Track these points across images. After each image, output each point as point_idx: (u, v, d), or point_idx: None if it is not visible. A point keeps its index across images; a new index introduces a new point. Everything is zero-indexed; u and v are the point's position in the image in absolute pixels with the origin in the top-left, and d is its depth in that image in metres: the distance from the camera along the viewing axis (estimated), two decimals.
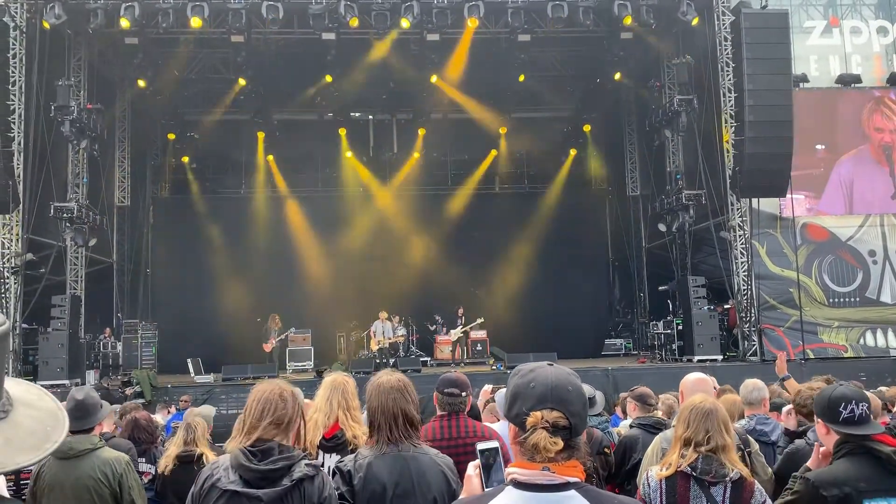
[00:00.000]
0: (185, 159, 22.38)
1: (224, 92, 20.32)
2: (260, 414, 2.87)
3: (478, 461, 2.01)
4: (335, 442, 3.97)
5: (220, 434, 6.34)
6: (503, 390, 2.28)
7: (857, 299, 17.14)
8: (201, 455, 5.12)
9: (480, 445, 2.06)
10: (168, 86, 19.82)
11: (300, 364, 18.22)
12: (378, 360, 17.57)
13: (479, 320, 18.75)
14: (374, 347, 18.17)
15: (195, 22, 15.64)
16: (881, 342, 17.04)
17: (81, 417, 4.21)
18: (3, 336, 1.32)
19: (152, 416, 7.38)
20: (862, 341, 17.04)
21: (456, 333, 18.82)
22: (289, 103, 21.05)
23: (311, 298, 20.50)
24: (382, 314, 18.37)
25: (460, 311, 19.21)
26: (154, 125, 21.59)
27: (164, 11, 15.73)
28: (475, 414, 4.60)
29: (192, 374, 16.56)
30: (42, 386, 1.53)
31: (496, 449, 2.02)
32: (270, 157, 22.29)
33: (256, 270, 20.80)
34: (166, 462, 5.21)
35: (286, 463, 2.76)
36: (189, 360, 16.89)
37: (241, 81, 19.22)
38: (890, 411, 5.49)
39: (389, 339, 18.18)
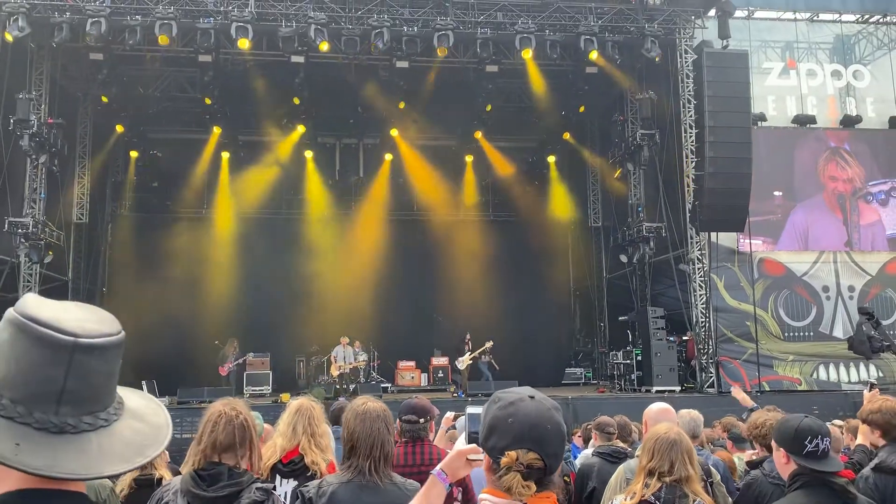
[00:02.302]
0: (147, 177, 22.06)
1: (189, 111, 20.15)
2: (212, 435, 2.82)
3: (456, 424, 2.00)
4: (292, 467, 3.89)
5: (174, 458, 6.19)
6: (463, 418, 2.28)
7: (812, 334, 17.53)
8: (160, 478, 4.98)
9: (471, 409, 2.07)
10: (132, 103, 19.60)
11: (258, 388, 17.92)
12: (338, 386, 17.38)
13: (489, 344, 18.15)
14: (335, 373, 17.97)
15: (162, 39, 15.54)
16: (833, 376, 17.42)
17: None
18: (119, 344, 1.33)
19: None
20: (815, 375, 17.40)
21: (465, 361, 18.31)
22: (255, 125, 20.96)
23: (272, 322, 20.25)
24: (344, 339, 18.20)
25: (467, 337, 18.75)
26: (116, 142, 21.27)
27: (132, 28, 15.59)
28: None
29: None
30: None
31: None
32: (234, 178, 22.08)
33: (216, 292, 20.45)
34: (122, 486, 5.06)
35: (234, 489, 2.70)
36: (143, 382, 16.48)
37: (207, 101, 19.09)
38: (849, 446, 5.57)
39: (350, 364, 18.00)
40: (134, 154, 21.61)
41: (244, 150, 21.87)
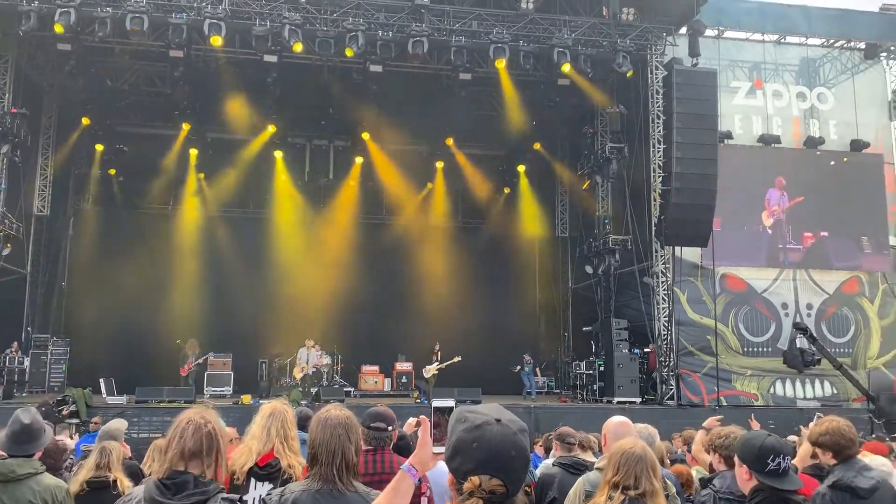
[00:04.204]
0: (112, 171, 21.68)
1: (158, 106, 19.88)
2: (180, 443, 2.79)
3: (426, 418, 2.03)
4: (268, 470, 3.88)
5: (134, 457, 6.10)
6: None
7: (770, 349, 17.86)
8: (115, 481, 4.90)
9: (436, 402, 2.08)
10: (99, 96, 19.27)
11: (219, 389, 17.71)
12: (301, 389, 17.26)
13: (457, 359, 18.14)
14: (298, 375, 17.85)
15: (134, 33, 15.31)
16: (790, 392, 17.78)
17: (26, 442, 3.97)
18: None
19: (58, 438, 7.02)
20: (772, 390, 17.74)
21: (431, 370, 18.23)
22: (225, 122, 20.74)
23: (235, 322, 20.03)
24: (309, 341, 18.09)
25: (437, 346, 18.69)
26: (82, 135, 20.87)
27: (102, 20, 15.33)
28: (405, 446, 4.56)
29: (105, 395, 15.89)
30: None
31: (451, 408, 2.03)
32: (202, 175, 21.84)
33: (179, 290, 20.19)
34: (73, 486, 4.96)
35: (200, 499, 2.68)
36: (101, 380, 16.20)
37: (177, 96, 18.84)
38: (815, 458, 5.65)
39: (315, 364, 17.90)
40: (99, 147, 21.22)
41: (213, 148, 21.64)
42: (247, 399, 16.23)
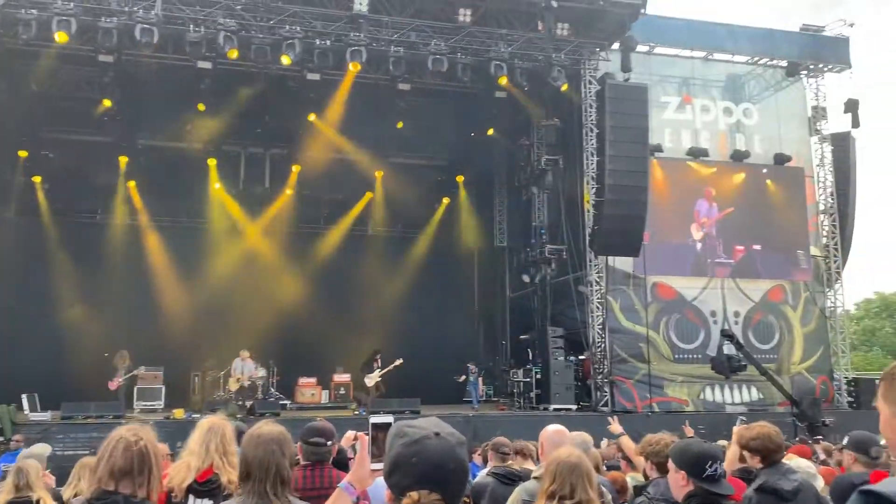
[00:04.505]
0: (37, 179, 20.85)
1: (87, 112, 19.26)
2: (109, 461, 2.72)
3: (366, 433, 2.04)
4: (209, 486, 3.81)
5: (60, 479, 5.89)
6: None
7: (700, 356, 18.41)
8: (38, 500, 4.73)
9: (374, 419, 2.08)
10: (24, 100, 18.56)
11: (149, 403, 17.22)
12: (237, 402, 16.93)
13: (398, 362, 18.03)
14: (234, 387, 17.50)
15: (60, 37, 14.84)
16: (718, 398, 18.36)
17: None
18: None
19: None
20: (702, 396, 18.28)
21: (373, 378, 18.11)
22: (156, 129, 20.26)
23: (166, 334, 19.47)
24: (244, 353, 17.76)
25: (377, 355, 18.54)
26: (4, 140, 20.04)
27: (27, 22, 14.81)
28: (342, 459, 4.53)
29: (27, 411, 15.25)
30: None
31: (389, 424, 2.04)
32: (132, 183, 21.22)
33: (108, 301, 19.55)
34: None
35: None
36: (24, 396, 15.55)
37: (107, 102, 18.32)
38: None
39: (250, 377, 17.58)
40: (23, 154, 20.41)
41: (144, 155, 21.05)
42: (179, 413, 15.83)
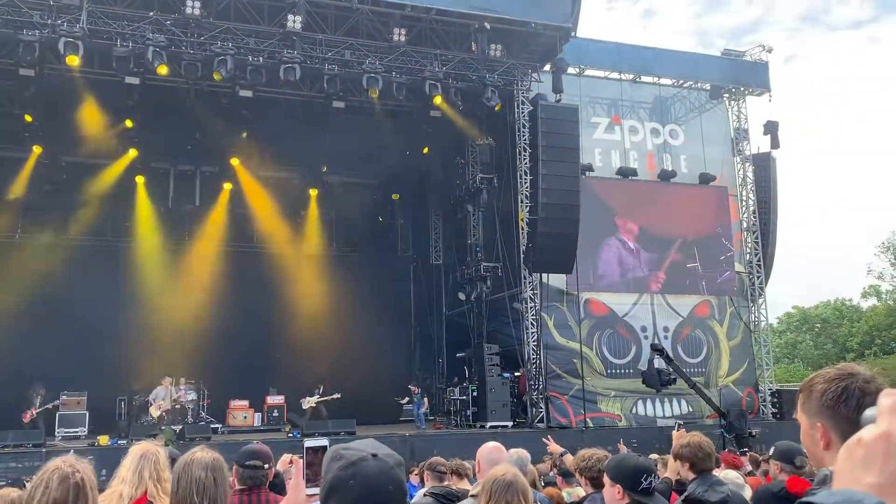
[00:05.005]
0: None
1: (6, 127, 18.51)
2: (44, 495, 2.61)
3: (301, 457, 2.01)
4: None
5: None
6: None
7: (631, 371, 18.80)
8: None
9: (308, 443, 2.04)
10: None
11: (72, 430, 16.50)
12: (162, 427, 16.40)
13: (336, 396, 18.20)
14: (155, 413, 16.94)
15: None
16: (650, 412, 18.76)
17: None
18: None
19: None
20: (634, 410, 18.64)
21: (310, 402, 18.05)
22: (81, 146, 19.59)
23: (90, 357, 18.67)
24: (166, 380, 17.31)
25: (321, 386, 18.48)
26: None
27: None
28: (282, 483, 4.44)
29: None
30: None
31: (325, 447, 2.01)
32: (54, 201, 20.41)
33: (23, 325, 18.57)
34: None
35: None
36: None
37: (28, 118, 17.67)
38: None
39: (174, 401, 17.10)
40: None
41: (67, 172, 20.34)
42: (104, 440, 15.21)
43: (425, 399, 19.47)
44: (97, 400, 17.68)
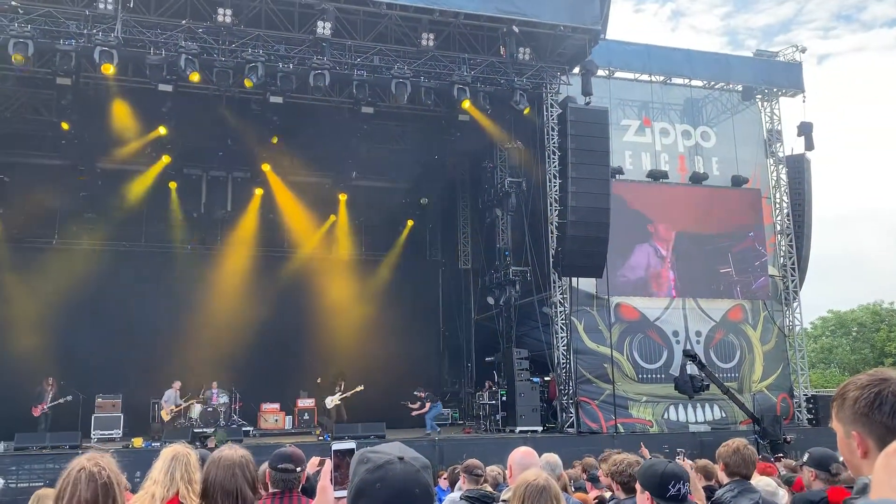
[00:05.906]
0: None
1: (43, 135, 18.92)
2: (74, 495, 2.65)
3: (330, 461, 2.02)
4: None
5: None
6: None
7: (663, 376, 18.58)
8: None
9: (336, 446, 2.05)
10: None
11: (107, 432, 16.76)
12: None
13: (359, 388, 18.16)
14: (166, 417, 17.26)
15: (17, 59, 14.57)
16: (682, 417, 18.52)
17: None
18: None
19: None
20: (665, 416, 18.42)
21: (334, 400, 18.15)
22: (116, 152, 19.95)
23: (126, 360, 19.06)
24: (176, 384, 17.80)
25: (341, 381, 18.55)
26: None
27: None
28: (312, 486, 4.46)
29: None
30: None
31: (352, 450, 2.02)
32: (90, 207, 20.81)
33: (65, 328, 19.01)
34: None
35: None
36: None
37: (64, 126, 18.03)
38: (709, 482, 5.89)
39: (180, 406, 17.42)
40: None
41: (102, 179, 20.71)
42: (138, 442, 15.45)
43: (430, 403, 18.89)
44: (132, 402, 17.96)
